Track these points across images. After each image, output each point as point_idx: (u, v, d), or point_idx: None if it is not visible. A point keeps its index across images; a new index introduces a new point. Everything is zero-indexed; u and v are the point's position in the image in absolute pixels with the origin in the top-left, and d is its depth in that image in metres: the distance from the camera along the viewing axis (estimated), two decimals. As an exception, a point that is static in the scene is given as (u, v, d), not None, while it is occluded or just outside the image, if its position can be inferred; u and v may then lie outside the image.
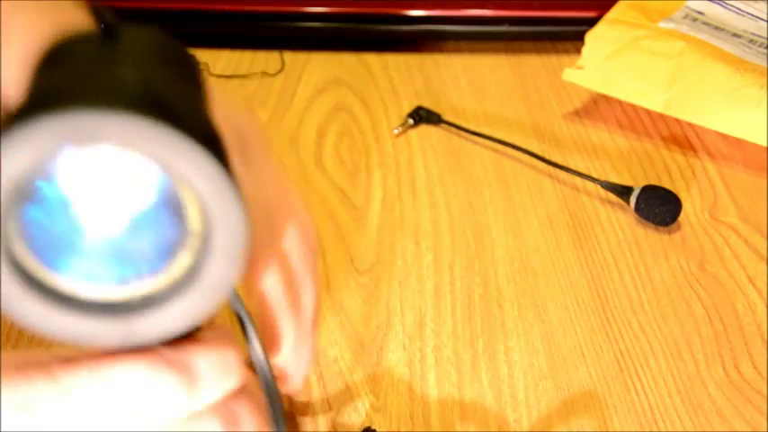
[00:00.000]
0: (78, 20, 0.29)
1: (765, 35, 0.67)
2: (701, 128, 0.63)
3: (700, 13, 0.69)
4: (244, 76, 0.72)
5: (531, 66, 0.73)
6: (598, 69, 0.64)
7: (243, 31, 0.74)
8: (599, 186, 0.58)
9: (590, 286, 0.52)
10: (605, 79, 0.64)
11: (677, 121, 0.65)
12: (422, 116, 0.66)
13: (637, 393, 0.46)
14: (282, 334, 0.33)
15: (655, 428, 0.44)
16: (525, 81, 0.71)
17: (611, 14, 0.68)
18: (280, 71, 0.72)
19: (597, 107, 0.68)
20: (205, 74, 0.25)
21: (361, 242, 0.55)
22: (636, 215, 0.56)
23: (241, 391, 0.26)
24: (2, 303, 0.20)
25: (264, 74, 0.72)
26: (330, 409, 0.44)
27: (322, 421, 0.43)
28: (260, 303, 0.33)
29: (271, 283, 0.32)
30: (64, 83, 0.20)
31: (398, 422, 0.44)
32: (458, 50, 0.75)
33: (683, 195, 0.57)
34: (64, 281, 0.22)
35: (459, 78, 0.72)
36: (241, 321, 0.28)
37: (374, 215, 0.57)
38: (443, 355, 0.47)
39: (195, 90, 0.23)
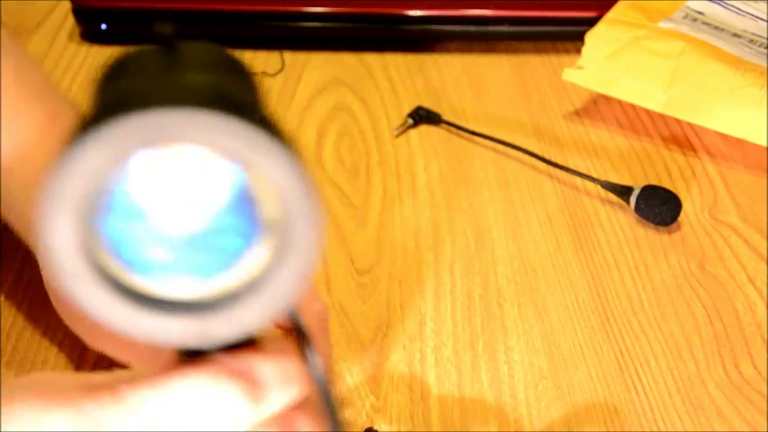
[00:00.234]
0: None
1: (765, 35, 0.67)
2: (701, 128, 0.63)
3: (700, 13, 0.69)
4: (244, 76, 0.72)
5: (531, 66, 0.73)
6: (598, 69, 0.64)
7: (243, 30, 0.74)
8: (599, 186, 0.58)
9: (590, 286, 0.52)
10: (605, 79, 0.64)
11: (677, 121, 0.65)
12: (422, 116, 0.66)
13: (637, 393, 0.46)
14: None
15: (655, 428, 0.44)
16: (525, 81, 0.71)
17: (611, 14, 0.68)
18: (280, 71, 0.72)
19: (597, 107, 0.68)
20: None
21: (361, 242, 0.55)
22: (636, 215, 0.56)
23: (300, 401, 0.26)
24: (85, 307, 0.21)
25: (264, 74, 0.72)
26: (330, 409, 0.44)
27: (322, 421, 0.43)
28: None
29: None
30: (137, 88, 0.21)
31: (398, 422, 0.44)
32: (458, 50, 0.75)
33: (683, 195, 0.57)
34: (144, 281, 0.22)
35: (459, 78, 0.72)
36: (295, 330, 0.28)
37: (374, 215, 0.57)
38: (443, 355, 0.47)
39: (257, 93, 0.24)
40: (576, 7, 0.73)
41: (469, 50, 0.75)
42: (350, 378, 0.46)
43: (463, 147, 0.64)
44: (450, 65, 0.73)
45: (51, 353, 0.45)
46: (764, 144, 0.59)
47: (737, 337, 0.49)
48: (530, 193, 0.59)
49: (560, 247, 0.55)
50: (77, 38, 0.75)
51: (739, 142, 0.62)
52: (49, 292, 0.39)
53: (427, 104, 0.67)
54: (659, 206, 0.55)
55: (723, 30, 0.67)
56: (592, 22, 0.67)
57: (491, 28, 0.74)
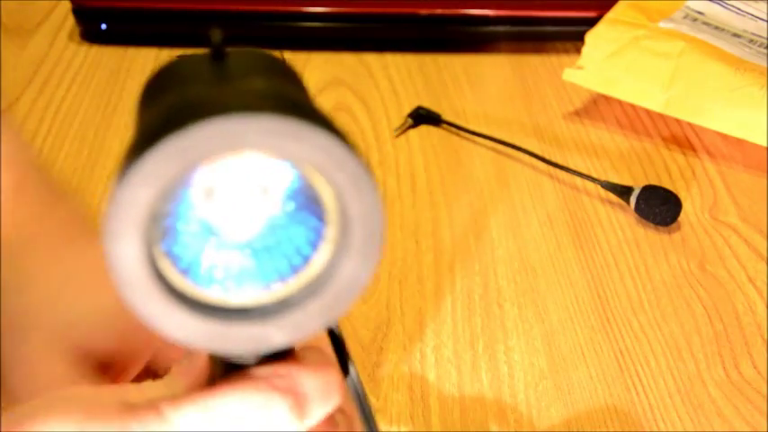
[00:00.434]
0: None
1: (765, 35, 0.67)
2: (701, 128, 0.63)
3: (700, 13, 0.69)
4: (244, 76, 0.72)
5: (531, 66, 0.73)
6: (598, 69, 0.64)
7: (243, 31, 0.74)
8: (599, 186, 0.58)
9: (590, 286, 0.52)
10: (605, 79, 0.64)
11: (677, 121, 0.65)
12: (422, 116, 0.66)
13: (637, 393, 0.46)
14: None
15: (655, 428, 0.44)
16: (525, 81, 0.71)
17: (611, 14, 0.68)
18: (280, 71, 0.72)
19: (597, 107, 0.68)
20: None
21: (361, 242, 0.55)
22: (636, 215, 0.56)
23: (337, 409, 0.26)
24: (145, 317, 0.21)
25: (264, 74, 0.71)
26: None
27: (322, 421, 0.43)
28: None
29: None
30: (200, 96, 0.20)
31: (398, 422, 0.44)
32: (458, 50, 0.75)
33: (683, 195, 0.57)
34: (206, 290, 0.22)
35: (459, 78, 0.72)
36: (332, 338, 0.28)
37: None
38: (443, 355, 0.47)
39: (308, 93, 0.24)
40: (575, 7, 0.73)
41: (469, 50, 0.75)
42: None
43: (463, 147, 0.64)
44: (450, 65, 0.73)
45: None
46: (764, 144, 0.59)
47: (737, 337, 0.49)
48: (530, 193, 0.59)
49: (560, 247, 0.55)
50: (77, 38, 0.75)
51: (739, 142, 0.62)
52: None
53: (427, 104, 0.67)
54: (659, 206, 0.55)
55: (723, 30, 0.67)
56: (592, 22, 0.67)
57: (491, 28, 0.74)
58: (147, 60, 0.72)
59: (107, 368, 0.32)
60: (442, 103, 0.68)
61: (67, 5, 0.74)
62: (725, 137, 0.62)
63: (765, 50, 0.65)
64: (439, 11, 0.73)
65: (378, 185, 0.20)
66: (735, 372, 0.47)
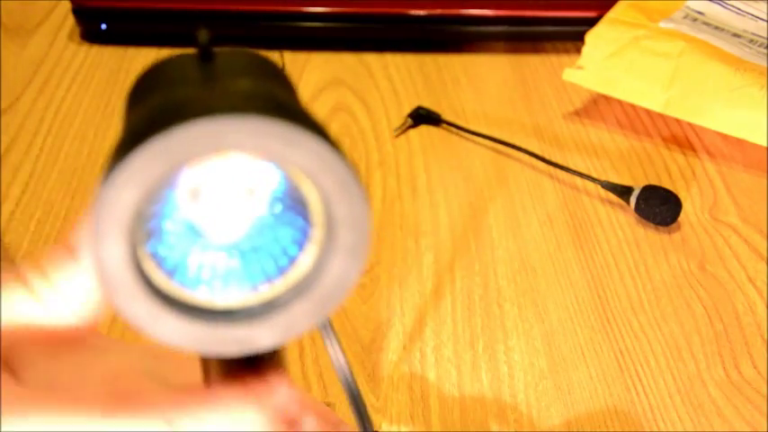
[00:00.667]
0: None
1: (765, 35, 0.67)
2: (701, 128, 0.63)
3: (700, 13, 0.69)
4: (244, 76, 0.72)
5: (531, 66, 0.73)
6: (598, 69, 0.64)
7: (243, 31, 0.74)
8: (599, 186, 0.58)
9: (590, 286, 0.52)
10: (605, 79, 0.64)
11: (677, 121, 0.65)
12: (422, 116, 0.66)
13: (637, 393, 0.46)
14: None
15: (655, 428, 0.44)
16: (525, 81, 0.71)
17: (611, 14, 0.68)
18: (280, 71, 0.72)
19: (597, 107, 0.68)
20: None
21: (361, 242, 0.55)
22: (636, 215, 0.56)
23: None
24: (132, 319, 0.20)
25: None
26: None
27: (322, 421, 0.43)
28: None
29: None
30: (186, 97, 0.20)
31: (398, 422, 0.44)
32: (458, 50, 0.75)
33: (683, 195, 0.57)
34: (192, 291, 0.22)
35: (459, 78, 0.72)
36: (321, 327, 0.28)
37: (374, 215, 0.57)
38: (443, 355, 0.47)
39: (296, 94, 0.24)
40: (575, 7, 0.73)
41: (469, 50, 0.75)
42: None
43: (463, 147, 0.64)
44: (450, 65, 0.73)
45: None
46: (764, 144, 0.59)
47: (737, 337, 0.49)
48: (530, 193, 0.59)
49: (560, 247, 0.55)
50: (77, 38, 0.75)
51: (739, 142, 0.62)
52: None
53: (427, 104, 0.67)
54: (659, 206, 0.55)
55: (723, 30, 0.67)
56: (592, 22, 0.67)
57: (491, 28, 0.74)
58: (146, 60, 0.72)
59: None
60: (441, 103, 0.68)
61: (67, 5, 0.74)
62: (725, 137, 0.62)
63: (765, 50, 0.65)
64: (439, 11, 0.73)
65: (364, 188, 0.20)
66: (735, 372, 0.47)
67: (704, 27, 0.67)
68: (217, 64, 0.22)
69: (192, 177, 0.21)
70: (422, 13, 0.73)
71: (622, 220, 0.57)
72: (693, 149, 0.64)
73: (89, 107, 0.67)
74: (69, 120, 0.65)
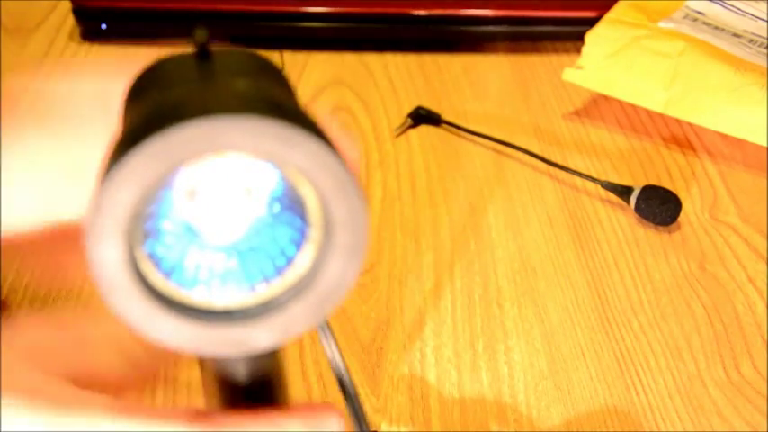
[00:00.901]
0: None
1: (765, 35, 0.67)
2: (701, 128, 0.63)
3: (700, 13, 0.69)
4: (244, 76, 0.72)
5: (531, 66, 0.73)
6: (598, 69, 0.64)
7: (243, 31, 0.74)
8: (599, 186, 0.58)
9: (590, 286, 0.52)
10: (605, 79, 0.64)
11: (677, 121, 0.65)
12: (422, 116, 0.66)
13: (637, 393, 0.46)
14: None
15: (655, 428, 0.44)
16: (525, 81, 0.71)
17: (611, 14, 0.68)
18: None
19: (597, 107, 0.68)
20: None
21: (361, 242, 0.55)
22: (636, 215, 0.56)
23: None
24: (128, 319, 0.20)
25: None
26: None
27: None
28: None
29: None
30: (183, 96, 0.20)
31: (398, 422, 0.44)
32: (458, 50, 0.75)
33: (683, 195, 0.57)
34: (189, 292, 0.22)
35: (459, 78, 0.72)
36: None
37: (374, 215, 0.57)
38: (443, 355, 0.47)
39: (294, 94, 0.24)
40: (576, 7, 0.73)
41: (469, 50, 0.75)
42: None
43: (463, 147, 0.64)
44: (450, 65, 0.73)
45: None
46: (764, 144, 0.59)
47: (737, 337, 0.49)
48: (530, 192, 0.59)
49: (560, 247, 0.55)
50: (77, 38, 0.75)
51: (739, 142, 0.62)
52: None
53: (427, 104, 0.67)
54: (659, 206, 0.55)
55: (723, 30, 0.67)
56: (592, 22, 0.67)
57: (491, 28, 0.74)
58: (146, 60, 0.72)
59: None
60: (441, 103, 0.68)
61: (67, 5, 0.74)
62: (725, 137, 0.62)
63: (765, 50, 0.65)
64: (439, 11, 0.73)
65: (362, 188, 0.20)
66: (735, 372, 0.47)
67: (704, 27, 0.67)
68: (214, 63, 0.22)
69: (189, 177, 0.21)
70: (422, 13, 0.73)
71: (622, 220, 0.57)
72: (693, 149, 0.64)
73: (89, 107, 0.67)
74: (69, 120, 0.65)
